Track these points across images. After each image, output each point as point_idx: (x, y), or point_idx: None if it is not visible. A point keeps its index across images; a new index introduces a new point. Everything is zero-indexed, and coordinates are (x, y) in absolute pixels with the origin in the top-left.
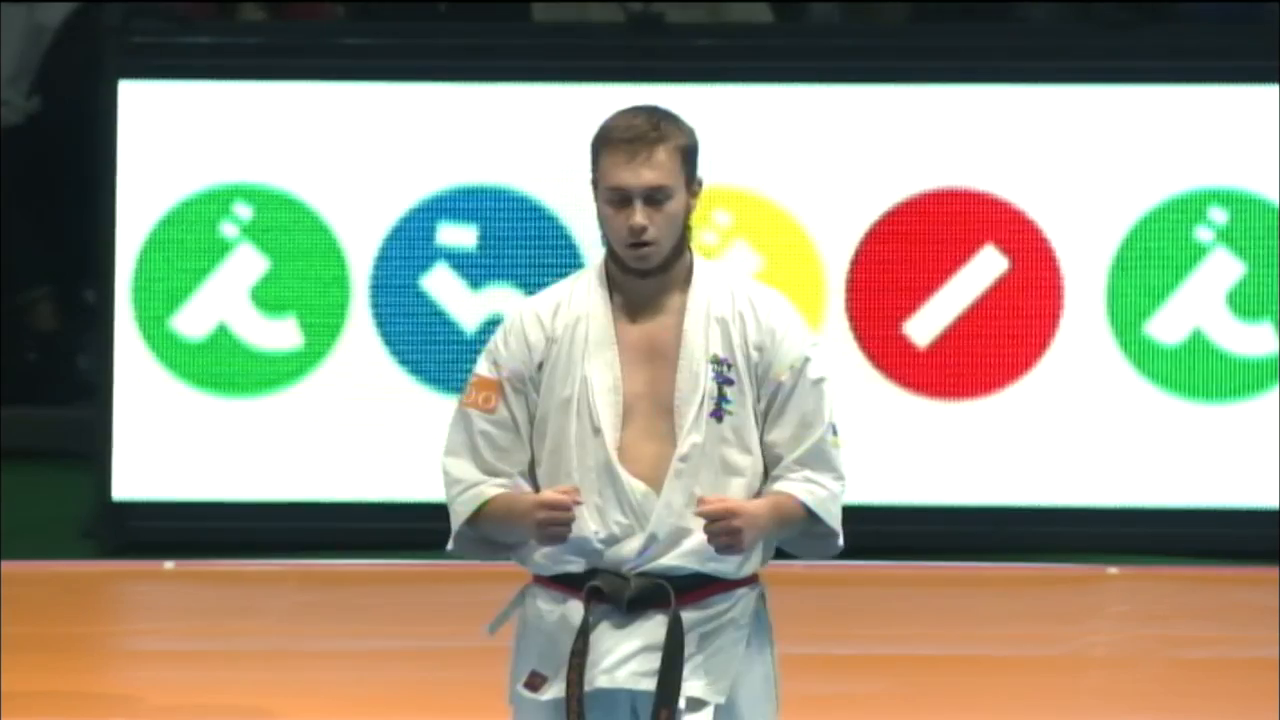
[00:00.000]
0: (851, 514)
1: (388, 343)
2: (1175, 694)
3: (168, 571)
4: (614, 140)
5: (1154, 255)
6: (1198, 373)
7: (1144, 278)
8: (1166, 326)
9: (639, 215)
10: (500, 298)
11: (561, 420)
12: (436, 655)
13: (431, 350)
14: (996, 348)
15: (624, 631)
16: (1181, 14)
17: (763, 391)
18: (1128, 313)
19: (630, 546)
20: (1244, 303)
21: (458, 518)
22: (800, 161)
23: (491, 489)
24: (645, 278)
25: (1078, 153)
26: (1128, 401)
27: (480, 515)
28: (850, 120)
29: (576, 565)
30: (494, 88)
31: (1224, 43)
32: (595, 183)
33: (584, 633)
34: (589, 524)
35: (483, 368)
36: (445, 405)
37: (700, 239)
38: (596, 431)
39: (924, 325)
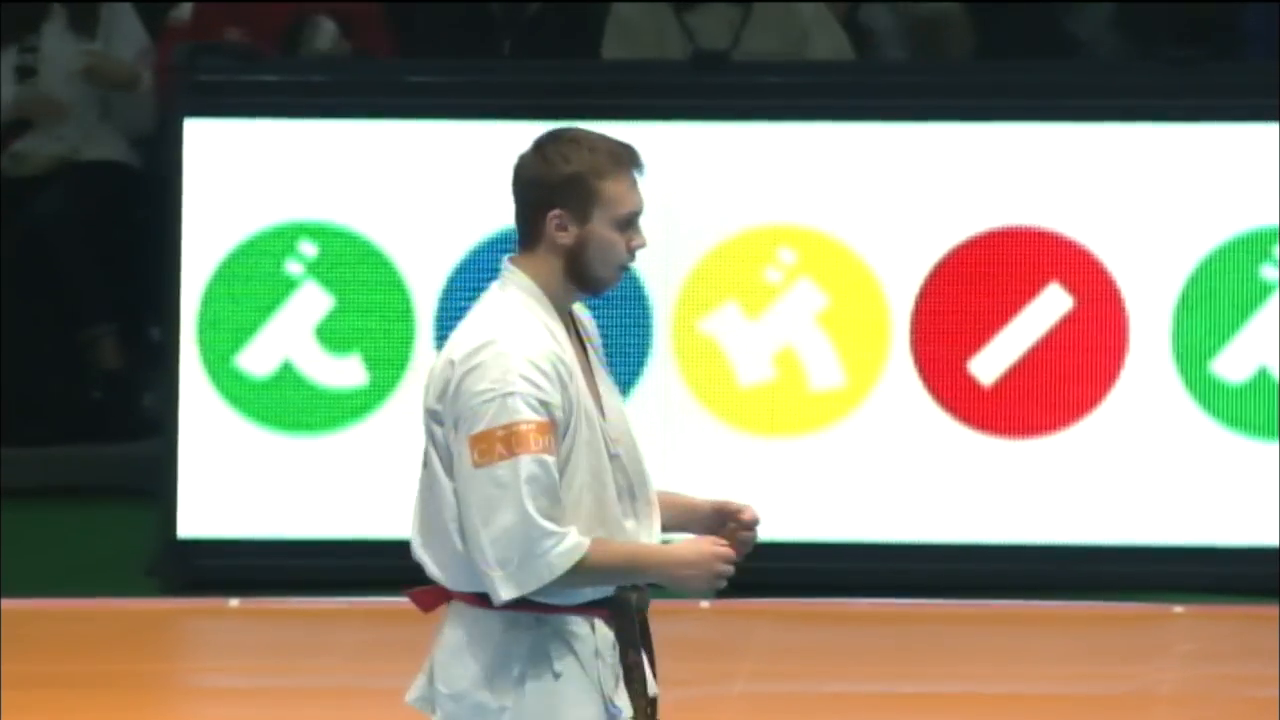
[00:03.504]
0: (918, 552)
1: None
2: None
3: (233, 609)
4: (624, 163)
5: (1219, 293)
6: (1263, 410)
7: (1209, 315)
8: (1232, 364)
9: (642, 235)
10: None
11: (587, 454)
12: None
13: None
14: (1061, 386)
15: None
16: (1241, 48)
17: None
18: (1193, 350)
19: None
20: None
21: (552, 570)
22: (865, 199)
23: (582, 536)
24: (596, 297)
25: (1142, 190)
26: (1193, 439)
27: (568, 575)
28: (915, 158)
29: (609, 589)
30: (559, 125)
31: None
32: (582, 208)
33: (634, 645)
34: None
35: (524, 412)
36: None
37: (765, 277)
38: (613, 458)
39: (989, 363)
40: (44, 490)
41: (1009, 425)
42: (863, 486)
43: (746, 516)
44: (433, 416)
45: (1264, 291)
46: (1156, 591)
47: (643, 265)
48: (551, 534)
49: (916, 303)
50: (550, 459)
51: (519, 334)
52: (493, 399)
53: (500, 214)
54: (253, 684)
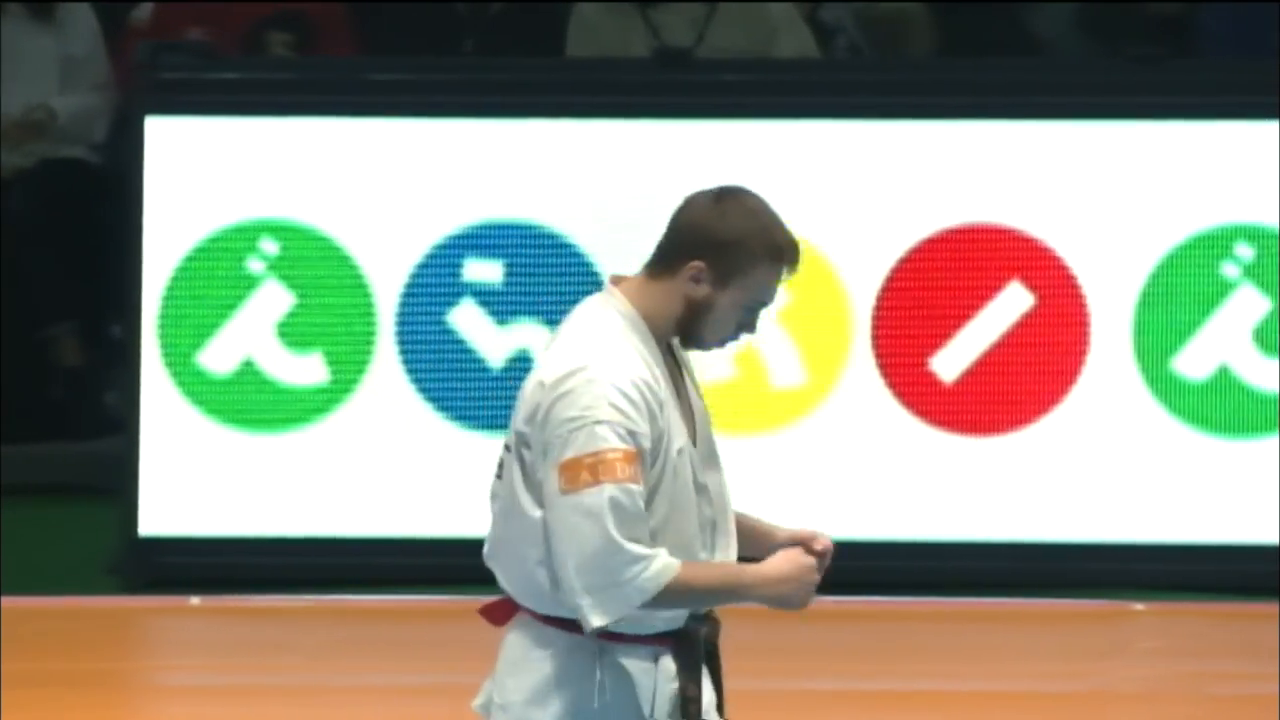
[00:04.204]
0: (879, 550)
1: (414, 378)
2: None
3: (194, 607)
4: (783, 258)
5: (1180, 291)
6: (1224, 408)
7: (1170, 313)
8: (1193, 362)
9: (756, 327)
10: (527, 333)
11: (673, 485)
12: (466, 690)
13: (458, 386)
14: (1023, 383)
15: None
16: (1200, 46)
17: None
18: (1154, 348)
19: None
20: (1271, 338)
21: (643, 593)
22: (826, 197)
23: (671, 558)
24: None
25: (1104, 188)
26: (1154, 437)
27: (658, 598)
28: (876, 155)
29: (680, 619)
30: (521, 123)
31: (1248, 78)
32: (725, 275)
33: (695, 679)
34: None
35: (612, 440)
36: (471, 440)
37: None
38: (700, 489)
39: (950, 361)
40: (4, 488)
41: (970, 423)
42: (824, 485)
43: (819, 546)
44: (521, 439)
45: (1225, 289)
46: (1118, 589)
47: (605, 262)
48: (639, 558)
49: (878, 300)
50: (636, 488)
51: (612, 360)
52: (581, 426)
53: (463, 212)
54: (217, 682)
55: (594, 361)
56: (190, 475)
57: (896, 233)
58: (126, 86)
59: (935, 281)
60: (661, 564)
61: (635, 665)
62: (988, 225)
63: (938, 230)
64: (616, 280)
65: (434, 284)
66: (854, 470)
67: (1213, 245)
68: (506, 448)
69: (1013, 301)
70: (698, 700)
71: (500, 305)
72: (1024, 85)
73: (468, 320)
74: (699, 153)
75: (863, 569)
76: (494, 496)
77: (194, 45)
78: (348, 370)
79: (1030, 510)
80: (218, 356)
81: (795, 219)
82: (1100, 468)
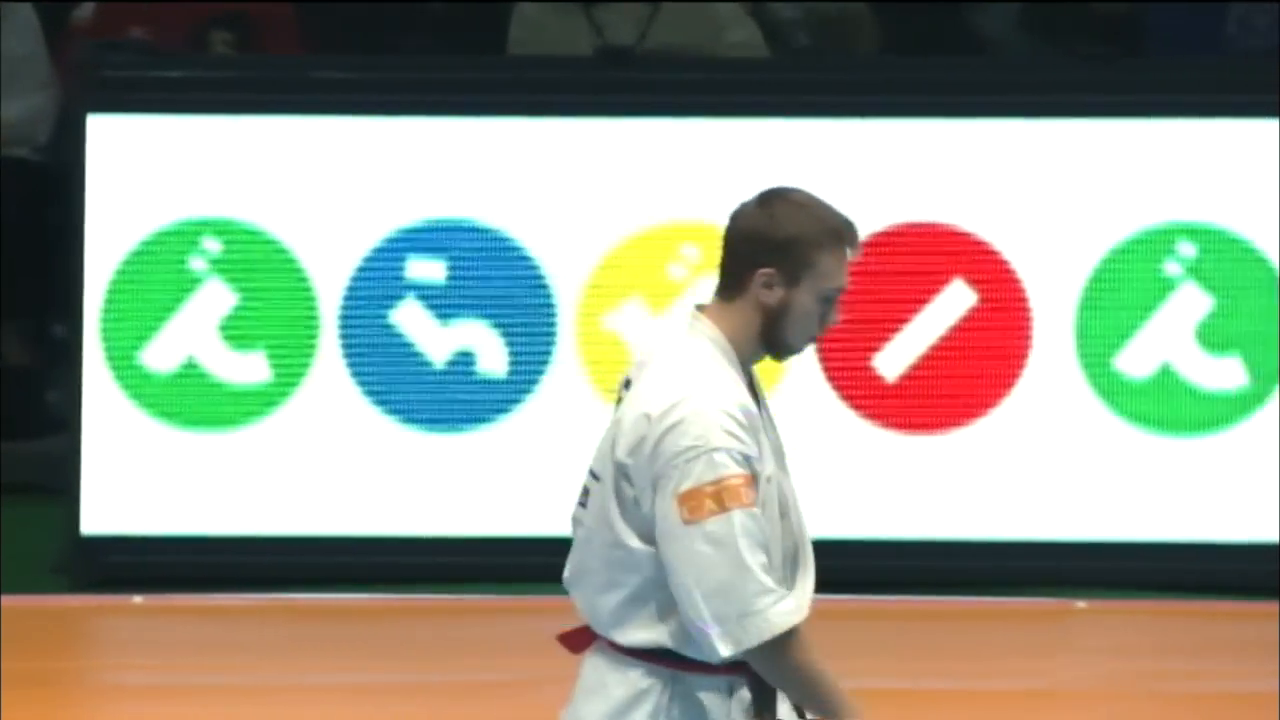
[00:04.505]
0: (819, 548)
1: (357, 377)
2: None
3: (137, 606)
4: (843, 239)
5: (1123, 289)
6: (1167, 407)
7: (1113, 312)
8: (1135, 361)
9: (837, 313)
10: (470, 332)
11: (767, 514)
12: (409, 689)
13: (401, 384)
14: (966, 382)
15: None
16: (1145, 46)
17: None
18: (1097, 347)
19: None
20: (1213, 337)
21: (772, 627)
22: None
23: (796, 613)
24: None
25: (1046, 187)
26: (1096, 435)
27: (782, 641)
28: (820, 154)
29: None
30: (464, 121)
31: (1191, 76)
32: (794, 273)
33: (770, 709)
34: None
35: (731, 466)
36: (414, 439)
37: (668, 273)
38: (784, 515)
39: (892, 359)
40: None
41: (913, 421)
42: None
43: None
44: (621, 470)
45: (1167, 288)
46: (1059, 587)
47: (548, 261)
48: (770, 590)
49: None
50: (759, 512)
51: (714, 387)
52: (699, 455)
53: (406, 210)
54: (161, 681)
55: (697, 390)
56: (133, 474)
57: None
58: (68, 85)
59: (878, 280)
60: (794, 604)
61: (709, 697)
62: (930, 224)
63: (881, 229)
64: (700, 308)
65: (377, 283)
66: (794, 468)
67: (1155, 243)
68: (594, 475)
69: (955, 300)
70: None
71: (443, 304)
72: (967, 84)
73: (410, 319)
74: (642, 151)
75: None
76: (577, 523)
77: (136, 44)
78: (290, 369)
79: (973, 508)
80: (160, 355)
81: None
82: (1042, 466)
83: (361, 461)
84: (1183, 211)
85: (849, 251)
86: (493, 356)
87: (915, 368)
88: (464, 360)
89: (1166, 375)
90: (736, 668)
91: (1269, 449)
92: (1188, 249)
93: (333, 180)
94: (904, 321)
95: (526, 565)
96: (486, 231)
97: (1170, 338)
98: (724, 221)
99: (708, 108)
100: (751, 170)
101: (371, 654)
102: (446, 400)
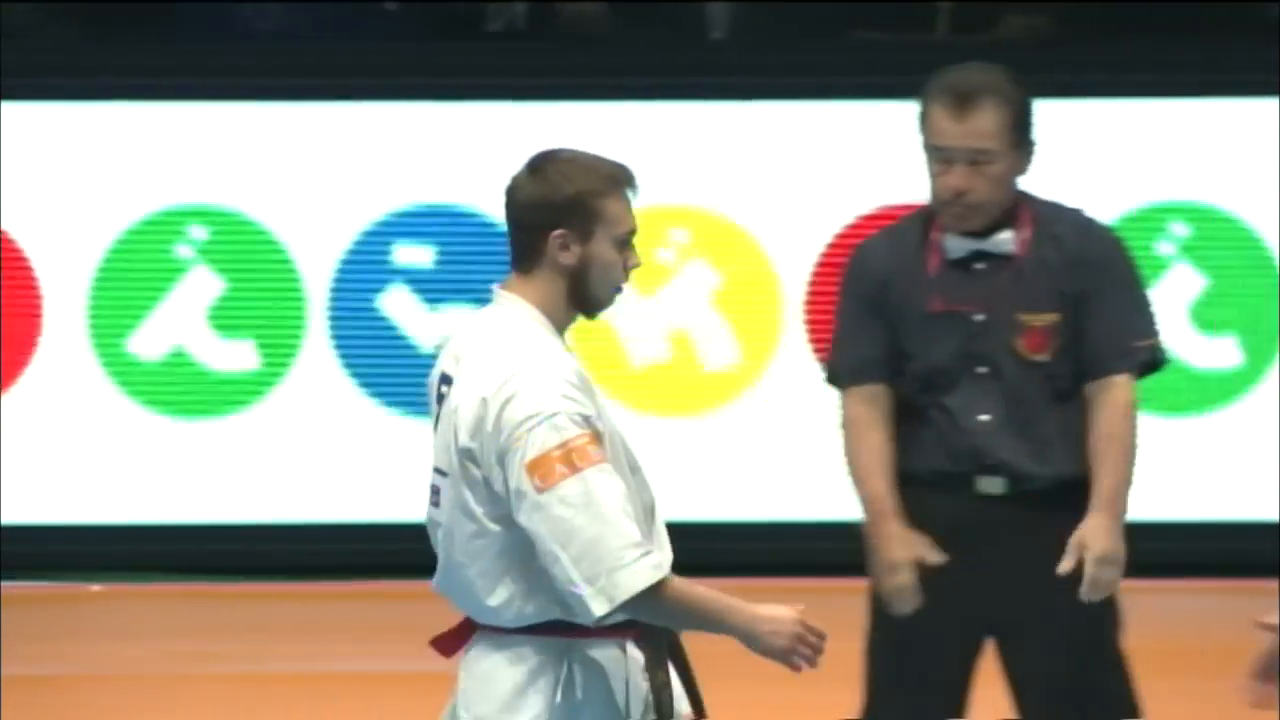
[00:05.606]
0: (820, 531)
1: (345, 363)
2: None
3: (129, 591)
4: (621, 183)
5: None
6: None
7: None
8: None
9: (637, 255)
10: (457, 317)
11: (617, 469)
12: (406, 675)
13: (389, 370)
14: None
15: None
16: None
17: None
18: None
19: None
20: (1208, 317)
21: (643, 579)
22: (758, 179)
23: (665, 564)
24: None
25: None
26: None
27: (655, 590)
28: (807, 137)
29: None
30: (450, 106)
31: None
32: (585, 228)
33: (663, 665)
34: None
35: (571, 429)
36: (402, 424)
37: (654, 257)
38: (635, 470)
39: None
40: None
41: None
42: (759, 466)
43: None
44: (466, 455)
45: (1159, 267)
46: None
47: None
48: (637, 543)
49: (809, 282)
50: (596, 470)
51: (541, 356)
52: (539, 422)
53: (393, 196)
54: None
55: (526, 362)
56: (121, 463)
57: (828, 214)
58: None
59: None
60: (658, 558)
61: (604, 655)
62: (920, 204)
63: (869, 210)
64: (507, 285)
65: (364, 268)
66: (789, 450)
67: (1149, 223)
68: (439, 472)
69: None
70: (668, 686)
71: (430, 289)
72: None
73: (398, 304)
74: (627, 134)
75: (803, 550)
76: (434, 524)
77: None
78: (278, 356)
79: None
80: (147, 343)
81: (726, 201)
82: None
83: (350, 448)
84: (1175, 191)
85: (630, 192)
86: None
87: None
88: None
89: None
90: (624, 629)
91: (1265, 428)
92: (1181, 229)
93: (319, 166)
94: None
95: None
96: (474, 216)
97: (1162, 314)
98: (714, 206)
99: (698, 91)
100: (743, 154)
101: (359, 639)
102: None
